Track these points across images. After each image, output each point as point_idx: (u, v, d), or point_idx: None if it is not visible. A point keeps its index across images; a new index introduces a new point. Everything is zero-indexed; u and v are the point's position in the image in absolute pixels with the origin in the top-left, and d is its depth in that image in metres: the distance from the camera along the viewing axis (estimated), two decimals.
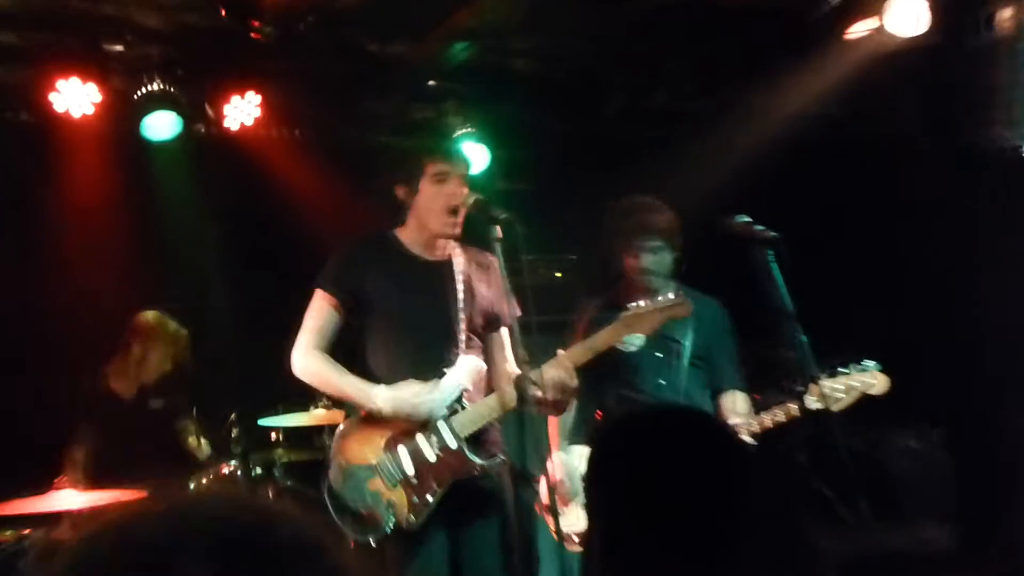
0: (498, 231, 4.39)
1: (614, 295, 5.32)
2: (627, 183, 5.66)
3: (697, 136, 7.81)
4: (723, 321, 5.42)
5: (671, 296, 4.79)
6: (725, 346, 5.40)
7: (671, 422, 2.56)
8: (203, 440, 6.64)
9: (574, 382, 4.51)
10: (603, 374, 5.09)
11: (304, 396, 6.30)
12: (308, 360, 4.53)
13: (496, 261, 4.58)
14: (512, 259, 4.54)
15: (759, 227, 4.60)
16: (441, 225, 4.62)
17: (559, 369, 4.49)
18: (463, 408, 4.57)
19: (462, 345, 4.59)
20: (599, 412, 5.33)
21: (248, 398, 6.61)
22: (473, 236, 4.82)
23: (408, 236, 4.70)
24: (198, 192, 7.55)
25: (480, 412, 4.54)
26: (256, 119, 7.22)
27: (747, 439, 4.93)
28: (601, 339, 4.65)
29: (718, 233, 4.77)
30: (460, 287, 4.62)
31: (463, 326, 4.57)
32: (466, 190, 4.69)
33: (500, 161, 7.92)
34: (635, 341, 5.00)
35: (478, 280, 4.75)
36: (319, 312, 4.60)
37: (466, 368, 4.62)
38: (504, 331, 4.84)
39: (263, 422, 6.58)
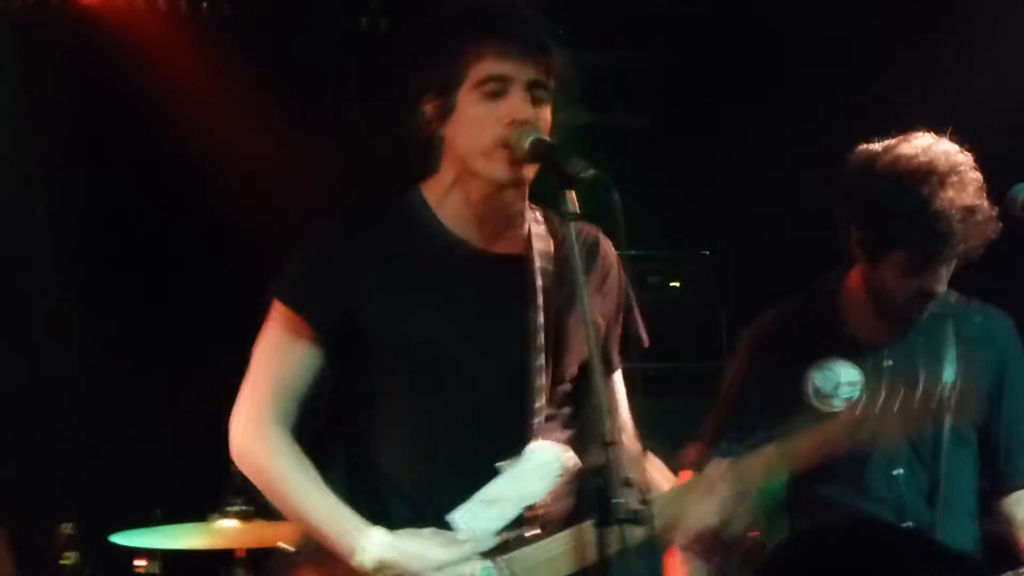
0: (571, 200, 3.28)
1: (825, 315, 4.27)
2: (827, 114, 4.95)
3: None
4: (1018, 355, 4.31)
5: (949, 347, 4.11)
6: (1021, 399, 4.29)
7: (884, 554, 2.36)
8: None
9: (734, 522, 3.54)
10: None
11: (202, 495, 5.37)
12: (256, 442, 3.55)
13: (610, 249, 3.67)
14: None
15: None
16: (495, 171, 3.47)
17: (709, 501, 3.51)
18: (524, 542, 3.49)
19: (539, 417, 3.56)
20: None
21: (96, 498, 5.86)
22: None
23: (445, 202, 3.59)
24: (20, 109, 6.41)
25: (548, 556, 3.54)
26: None
27: None
28: (801, 448, 3.60)
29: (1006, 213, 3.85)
30: (541, 303, 3.59)
31: (545, 382, 3.59)
32: (542, 113, 3.49)
33: (581, 77, 6.73)
34: (852, 388, 4.13)
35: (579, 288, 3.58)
36: (282, 347, 3.58)
37: (543, 465, 3.56)
38: (617, 379, 3.76)
39: (119, 540, 5.35)
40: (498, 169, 3.40)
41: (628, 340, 3.65)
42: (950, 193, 3.93)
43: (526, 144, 3.33)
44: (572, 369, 3.63)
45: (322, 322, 3.54)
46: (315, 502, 3.48)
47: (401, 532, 3.43)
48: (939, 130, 4.09)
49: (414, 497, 3.53)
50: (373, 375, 3.56)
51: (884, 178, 4.02)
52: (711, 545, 3.71)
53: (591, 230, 3.63)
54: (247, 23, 6.71)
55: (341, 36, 6.63)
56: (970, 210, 3.92)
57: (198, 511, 5.43)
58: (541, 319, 3.59)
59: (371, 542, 3.40)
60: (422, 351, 3.55)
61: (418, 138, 3.57)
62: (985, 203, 3.92)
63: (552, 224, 3.65)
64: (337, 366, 3.58)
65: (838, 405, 4.15)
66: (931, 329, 4.15)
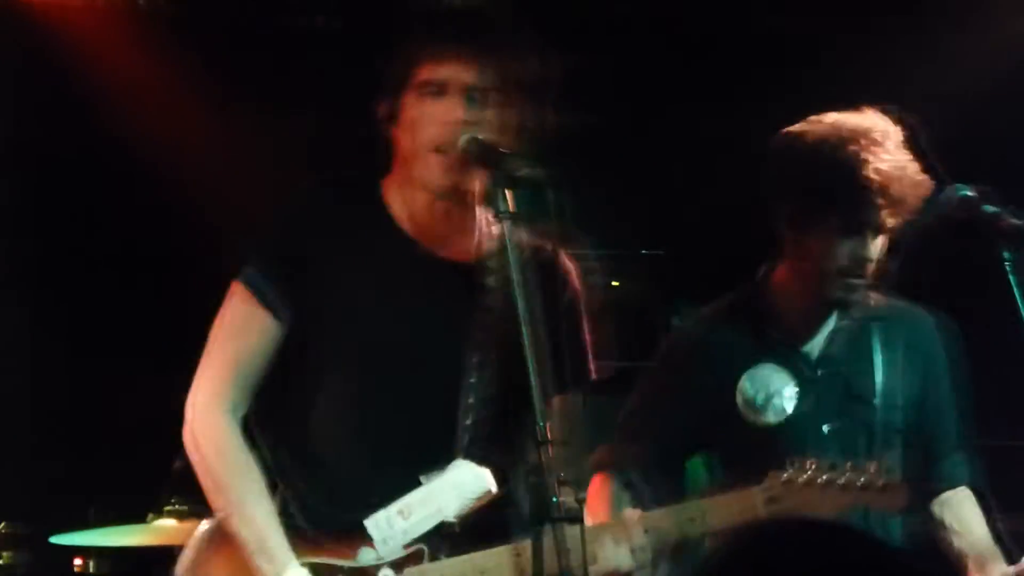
0: (508, 199, 3.28)
1: (747, 311, 4.17)
2: (769, 114, 4.37)
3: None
4: (950, 354, 4.25)
5: (877, 367, 4.06)
6: (951, 403, 4.21)
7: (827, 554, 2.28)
8: None
9: (643, 569, 3.50)
10: (731, 458, 4.08)
11: (141, 493, 5.38)
12: (207, 428, 3.51)
13: (570, 273, 3.75)
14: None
15: (989, 208, 3.65)
16: (429, 175, 3.45)
17: (622, 546, 3.48)
18: (436, 555, 3.51)
19: (467, 436, 3.55)
20: None
21: (35, 498, 5.80)
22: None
23: (397, 201, 3.58)
24: None
25: (463, 572, 3.51)
26: None
27: None
28: (718, 510, 3.57)
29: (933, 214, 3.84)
30: (485, 318, 3.58)
31: (477, 399, 3.56)
32: (485, 115, 3.46)
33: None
34: (783, 400, 4.03)
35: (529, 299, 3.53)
36: (242, 325, 3.54)
37: (461, 484, 3.54)
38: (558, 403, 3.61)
39: (59, 540, 5.43)
40: (431, 173, 3.39)
41: (571, 368, 3.55)
42: (879, 153, 3.87)
43: (460, 143, 3.31)
44: (517, 387, 3.51)
45: (282, 301, 3.51)
46: (251, 516, 3.46)
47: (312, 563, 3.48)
48: None
49: (334, 494, 3.52)
50: (310, 365, 3.55)
51: (813, 144, 3.98)
52: None
53: (549, 247, 3.61)
54: (187, 19, 6.62)
55: (284, 33, 6.52)
56: (899, 169, 3.87)
57: (138, 510, 5.42)
58: (481, 335, 3.56)
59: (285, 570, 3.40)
60: (359, 351, 3.54)
61: (375, 137, 3.55)
62: (914, 165, 3.88)
63: (506, 232, 3.57)
64: (287, 352, 3.57)
65: (770, 417, 4.13)
66: (859, 335, 4.09)
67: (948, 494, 4.17)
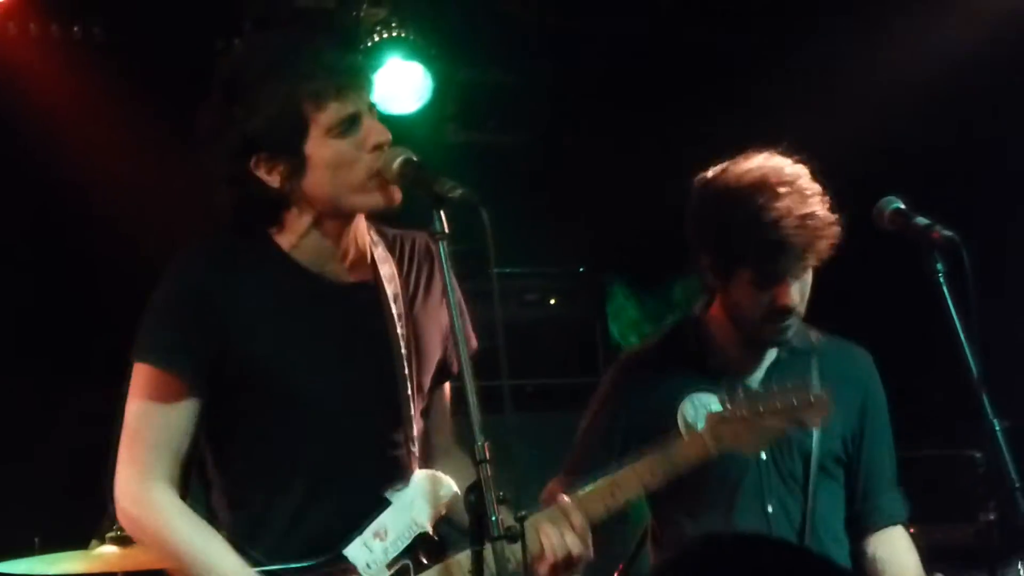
0: (443, 219, 3.20)
1: (692, 346, 4.16)
2: (688, 135, 4.91)
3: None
4: (877, 391, 4.22)
5: (813, 383, 3.86)
6: (887, 439, 4.19)
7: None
8: None
9: (590, 551, 3.46)
10: (666, 493, 3.84)
11: (83, 521, 5.18)
12: (145, 510, 3.39)
13: (434, 248, 3.47)
14: (469, 273, 3.47)
15: (922, 220, 3.59)
16: (370, 202, 3.38)
17: (564, 527, 3.44)
18: (420, 569, 3.45)
19: (417, 445, 3.51)
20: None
21: None
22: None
23: (301, 245, 3.46)
24: None
25: None
26: None
27: None
28: (654, 467, 3.56)
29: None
30: (400, 327, 3.49)
31: (415, 408, 3.50)
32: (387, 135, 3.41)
33: (455, 94, 6.51)
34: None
35: (421, 299, 3.58)
36: (155, 407, 3.39)
37: (428, 493, 3.52)
38: (446, 389, 3.69)
39: (4, 568, 5.12)
40: (374, 199, 3.32)
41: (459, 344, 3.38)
42: (785, 202, 3.84)
43: (395, 166, 3.25)
44: (426, 376, 3.56)
45: (190, 372, 3.41)
46: (220, 568, 3.37)
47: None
48: (800, 152, 4.06)
49: (307, 534, 3.43)
50: (243, 415, 3.47)
51: (719, 197, 3.95)
52: None
53: (421, 238, 3.58)
54: (119, 46, 6.56)
55: (214, 57, 6.33)
56: (806, 217, 3.85)
57: (79, 538, 5.27)
58: (402, 346, 3.51)
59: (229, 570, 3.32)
60: (294, 390, 3.47)
61: (259, 197, 3.42)
62: (823, 210, 3.85)
63: (388, 242, 3.57)
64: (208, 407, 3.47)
65: None
66: (796, 366, 4.07)
67: (885, 530, 4.18)
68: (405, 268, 3.63)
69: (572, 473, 3.92)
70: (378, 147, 3.32)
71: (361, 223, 3.50)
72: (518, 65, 6.79)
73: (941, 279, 3.48)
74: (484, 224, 3.12)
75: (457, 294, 3.42)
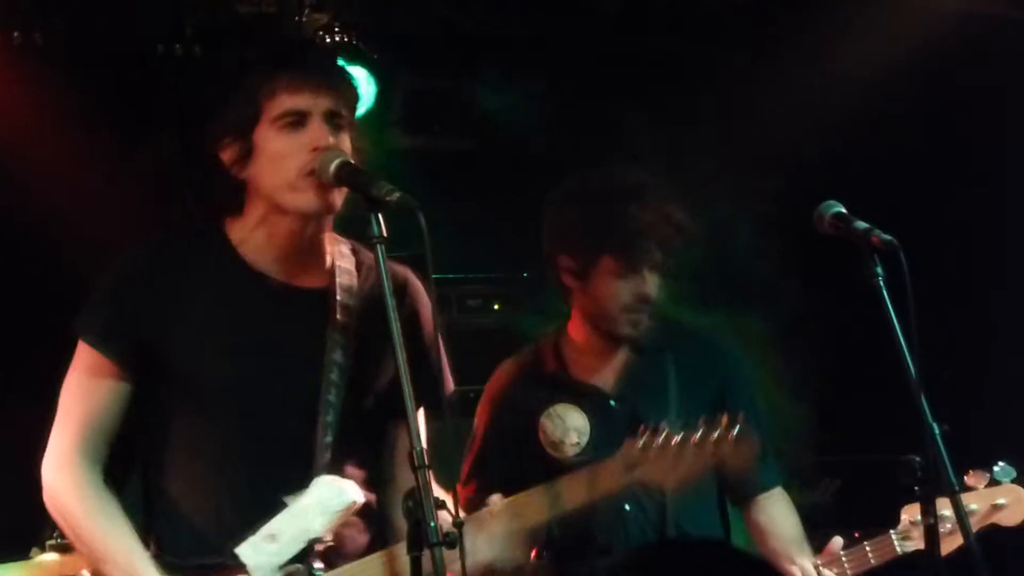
0: (380, 224, 3.20)
1: (551, 362, 4.31)
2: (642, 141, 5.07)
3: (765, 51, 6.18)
4: (741, 370, 4.39)
5: (670, 385, 4.15)
6: (753, 413, 4.06)
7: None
8: None
9: (528, 558, 3.61)
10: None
11: (23, 526, 5.02)
12: (64, 486, 3.46)
13: (420, 293, 3.59)
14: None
15: (861, 224, 3.58)
16: (303, 201, 3.38)
17: (498, 539, 3.45)
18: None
19: (327, 454, 3.46)
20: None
21: None
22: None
23: (250, 239, 3.51)
24: None
25: None
26: None
27: None
28: (579, 486, 3.52)
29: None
30: (340, 336, 3.49)
31: (335, 418, 3.48)
32: (343, 141, 3.43)
33: (398, 99, 6.49)
34: (577, 435, 4.13)
35: (378, 320, 3.35)
36: (88, 385, 3.48)
37: (324, 500, 3.46)
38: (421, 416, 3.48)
39: None
40: (306, 199, 3.35)
41: (431, 386, 3.39)
42: (646, 197, 4.10)
43: (331, 168, 3.26)
44: (370, 400, 3.57)
45: (124, 357, 3.48)
46: (121, 560, 3.44)
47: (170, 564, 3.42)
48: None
49: (202, 527, 3.49)
50: (168, 405, 3.53)
51: (580, 196, 4.20)
52: None
53: (401, 271, 3.59)
54: (60, 51, 6.51)
55: (155, 62, 6.43)
56: (665, 211, 4.10)
57: (20, 546, 5.18)
58: (338, 355, 3.53)
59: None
60: (214, 384, 3.51)
61: (220, 182, 3.51)
62: (679, 213, 4.10)
63: (360, 256, 3.58)
64: (137, 393, 3.54)
65: (568, 451, 4.19)
66: (651, 366, 4.20)
67: (762, 496, 4.30)
68: (368, 286, 3.60)
69: (465, 492, 4.01)
70: (317, 150, 3.33)
71: (326, 231, 3.51)
72: (461, 70, 6.77)
73: (880, 282, 3.51)
74: (422, 228, 3.09)
75: (418, 323, 3.54)
